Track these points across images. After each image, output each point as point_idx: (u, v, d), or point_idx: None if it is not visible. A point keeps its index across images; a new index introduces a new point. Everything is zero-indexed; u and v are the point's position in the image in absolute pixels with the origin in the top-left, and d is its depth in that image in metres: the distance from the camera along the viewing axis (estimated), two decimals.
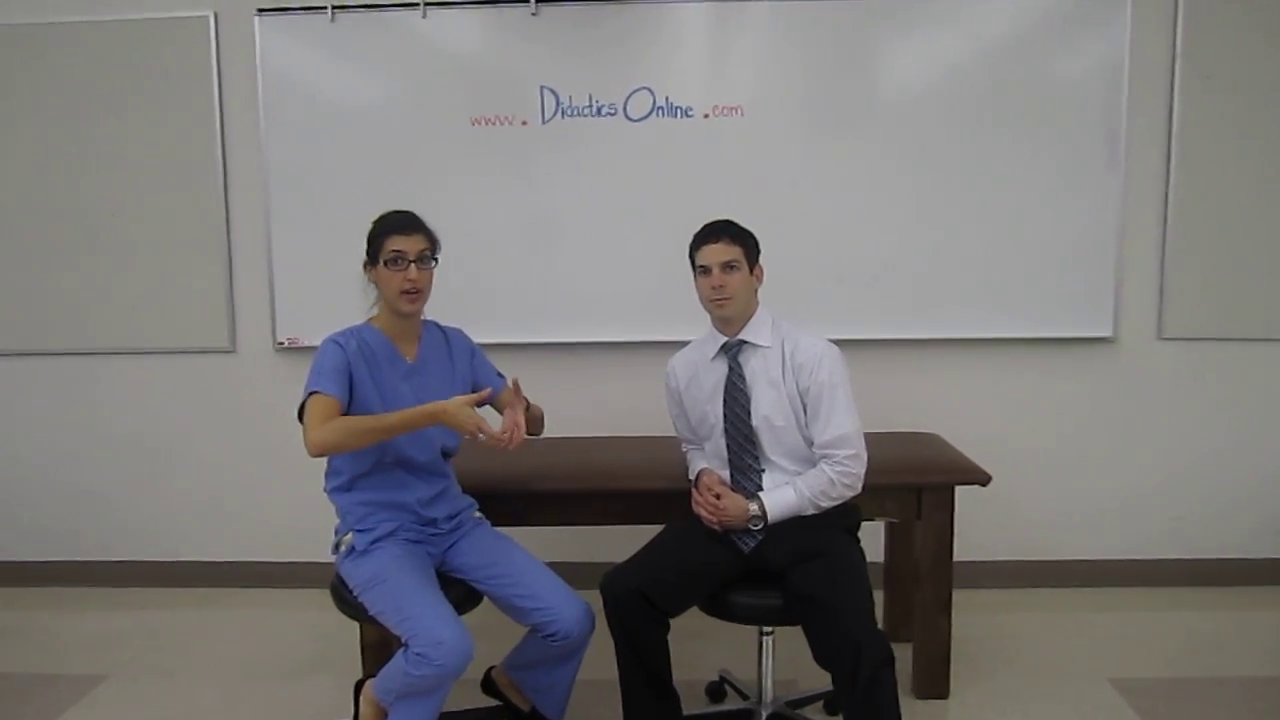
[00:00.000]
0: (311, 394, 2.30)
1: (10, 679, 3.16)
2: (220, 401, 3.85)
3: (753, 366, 2.53)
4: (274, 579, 3.86)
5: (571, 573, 3.42)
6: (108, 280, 3.78)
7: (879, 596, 3.21)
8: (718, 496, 2.48)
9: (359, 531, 2.41)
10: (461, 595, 2.46)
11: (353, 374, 2.36)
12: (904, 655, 2.91)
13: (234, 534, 3.92)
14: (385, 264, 2.39)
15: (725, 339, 2.55)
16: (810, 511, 2.46)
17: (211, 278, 3.76)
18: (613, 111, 3.58)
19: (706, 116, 3.57)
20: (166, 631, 3.54)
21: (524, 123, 3.59)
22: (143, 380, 3.85)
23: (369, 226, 2.46)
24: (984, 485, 2.79)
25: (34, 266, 3.78)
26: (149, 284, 3.77)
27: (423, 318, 2.54)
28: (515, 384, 2.44)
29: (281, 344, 3.75)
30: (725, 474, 2.57)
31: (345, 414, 2.33)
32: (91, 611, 3.73)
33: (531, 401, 2.54)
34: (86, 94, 3.69)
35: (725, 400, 2.53)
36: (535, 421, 2.57)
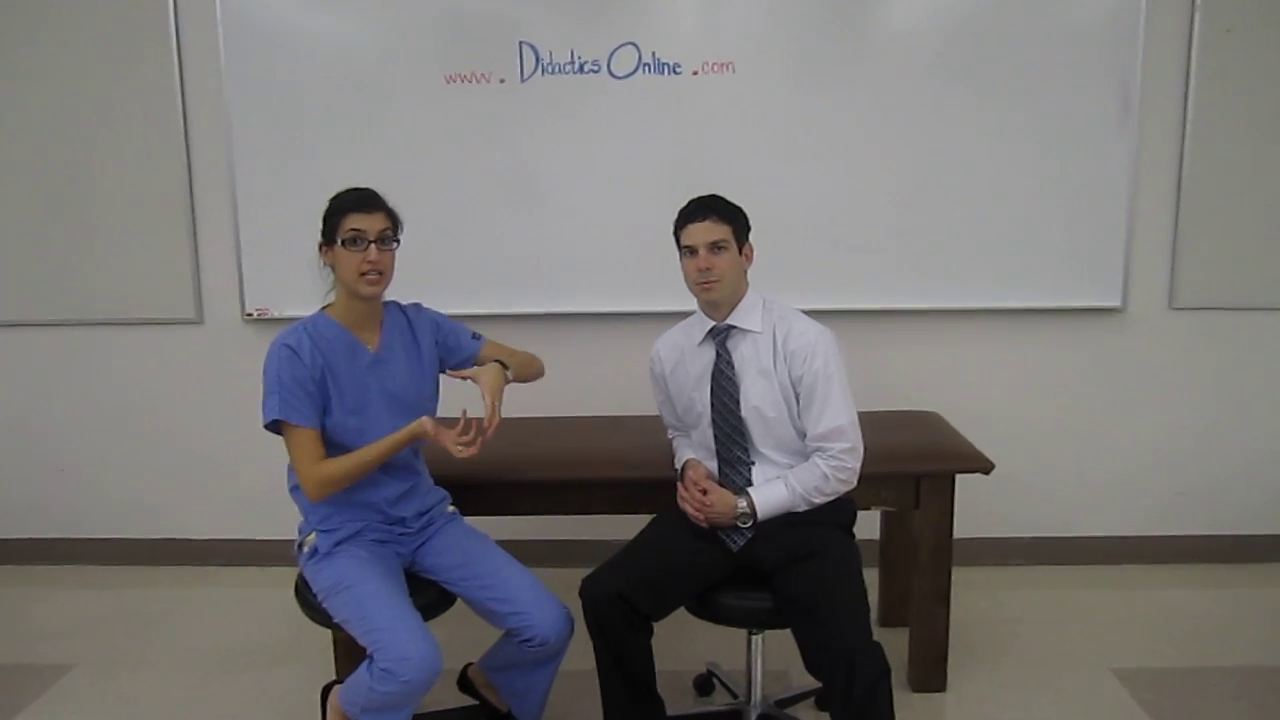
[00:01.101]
0: (285, 425, 2.18)
1: None
2: (188, 374, 3.69)
3: (742, 353, 2.36)
4: (247, 556, 3.73)
5: (556, 552, 3.32)
6: (66, 248, 3.58)
7: (874, 576, 3.10)
8: (704, 492, 2.33)
9: (322, 532, 2.27)
10: (433, 598, 2.32)
11: (310, 376, 2.21)
12: (899, 642, 2.82)
13: (206, 510, 3.78)
14: (343, 244, 2.21)
15: (712, 323, 2.38)
16: (802, 508, 2.31)
17: (174, 245, 3.57)
18: (596, 68, 3.37)
19: (695, 74, 3.36)
20: (136, 614, 3.42)
21: (501, 80, 3.38)
22: (107, 352, 3.68)
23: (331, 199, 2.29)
24: (986, 474, 2.65)
25: None
26: (110, 252, 3.58)
27: (383, 300, 2.37)
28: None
29: (250, 315, 3.57)
30: (712, 465, 2.42)
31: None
32: (60, 591, 3.61)
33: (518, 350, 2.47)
34: (36, 52, 3.46)
35: (713, 389, 2.37)
36: (529, 369, 2.48)
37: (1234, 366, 3.55)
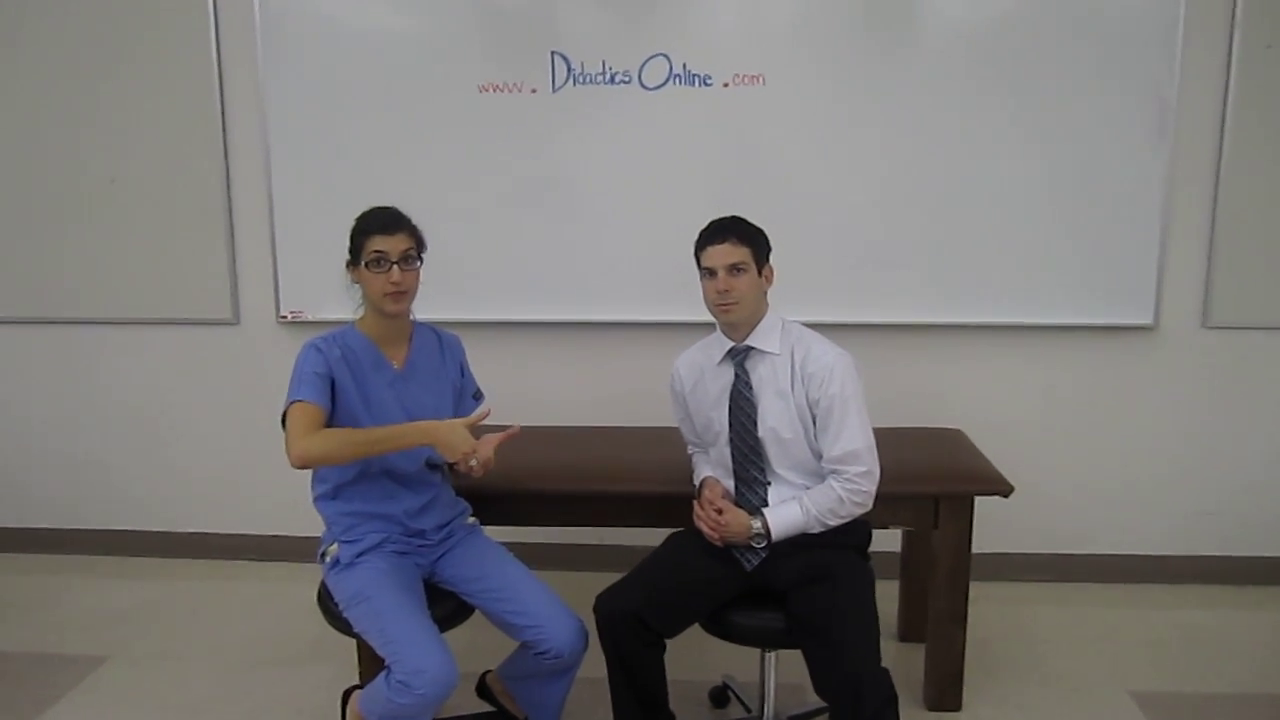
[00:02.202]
0: (292, 403, 2.21)
1: (8, 658, 3.13)
2: (223, 374, 3.77)
3: (760, 374, 2.38)
4: (276, 552, 3.82)
5: (573, 557, 3.35)
6: (108, 248, 3.68)
7: (894, 589, 3.12)
8: (719, 512, 2.36)
9: (344, 543, 2.33)
10: (451, 609, 2.37)
11: (335, 381, 2.26)
12: (917, 658, 2.84)
13: (236, 507, 3.87)
14: (367, 265, 2.26)
15: (731, 344, 2.40)
16: (816, 529, 2.33)
17: (212, 247, 3.65)
18: (627, 79, 3.38)
19: (726, 85, 3.36)
20: (168, 608, 3.51)
21: (533, 90, 3.40)
22: (143, 351, 3.78)
23: (369, 204, 2.35)
24: (1005, 496, 2.65)
25: (33, 233, 3.69)
26: (149, 253, 3.67)
27: (413, 319, 2.42)
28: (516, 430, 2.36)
29: (285, 317, 3.64)
30: (730, 484, 2.44)
31: (329, 423, 2.23)
32: (93, 582, 3.71)
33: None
34: (76, 54, 3.55)
35: (731, 409, 2.39)
36: None
37: (1267, 387, 3.49)
